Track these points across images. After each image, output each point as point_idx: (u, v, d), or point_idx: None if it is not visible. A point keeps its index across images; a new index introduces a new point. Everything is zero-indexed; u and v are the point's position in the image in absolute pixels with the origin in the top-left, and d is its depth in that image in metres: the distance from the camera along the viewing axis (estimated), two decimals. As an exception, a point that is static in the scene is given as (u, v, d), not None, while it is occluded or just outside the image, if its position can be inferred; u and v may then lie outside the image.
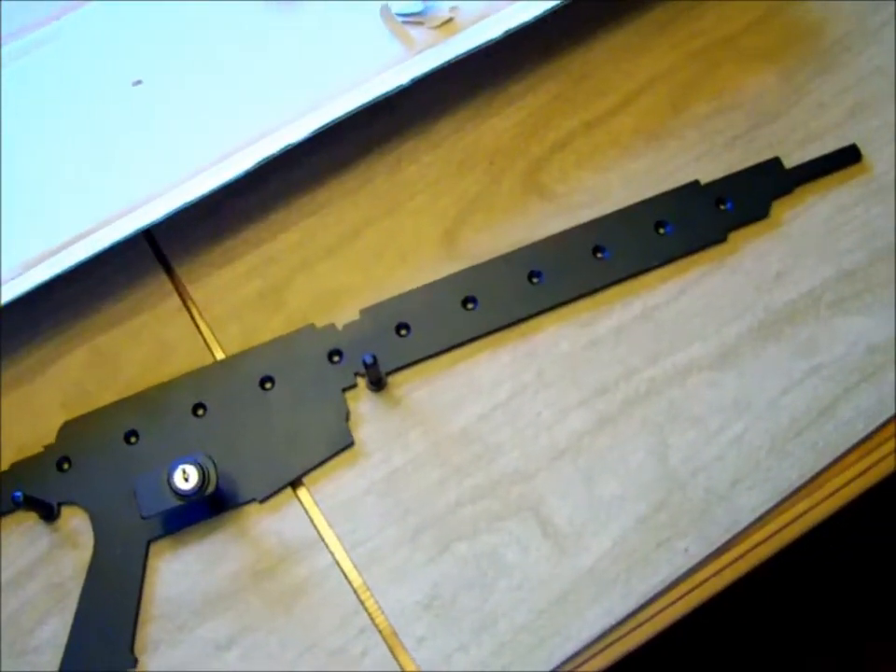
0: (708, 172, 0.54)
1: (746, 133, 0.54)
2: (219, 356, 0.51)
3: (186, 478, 0.45)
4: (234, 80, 0.53)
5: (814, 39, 0.56)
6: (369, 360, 0.47)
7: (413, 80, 0.51)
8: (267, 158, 0.50)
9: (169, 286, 0.53)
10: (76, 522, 0.49)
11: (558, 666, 0.46)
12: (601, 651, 0.47)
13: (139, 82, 0.54)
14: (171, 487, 0.45)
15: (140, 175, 0.52)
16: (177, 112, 0.53)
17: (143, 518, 0.46)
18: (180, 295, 0.53)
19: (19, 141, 0.53)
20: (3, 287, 0.50)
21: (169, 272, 0.53)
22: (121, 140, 0.53)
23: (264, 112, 0.53)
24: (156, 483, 0.46)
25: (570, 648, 0.46)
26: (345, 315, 0.51)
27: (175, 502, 0.46)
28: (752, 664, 0.86)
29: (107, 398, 0.51)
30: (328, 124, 0.51)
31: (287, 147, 0.50)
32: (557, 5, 0.53)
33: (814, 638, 0.87)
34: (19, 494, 0.46)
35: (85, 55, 0.55)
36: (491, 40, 0.52)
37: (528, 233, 0.53)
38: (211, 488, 0.46)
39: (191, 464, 0.45)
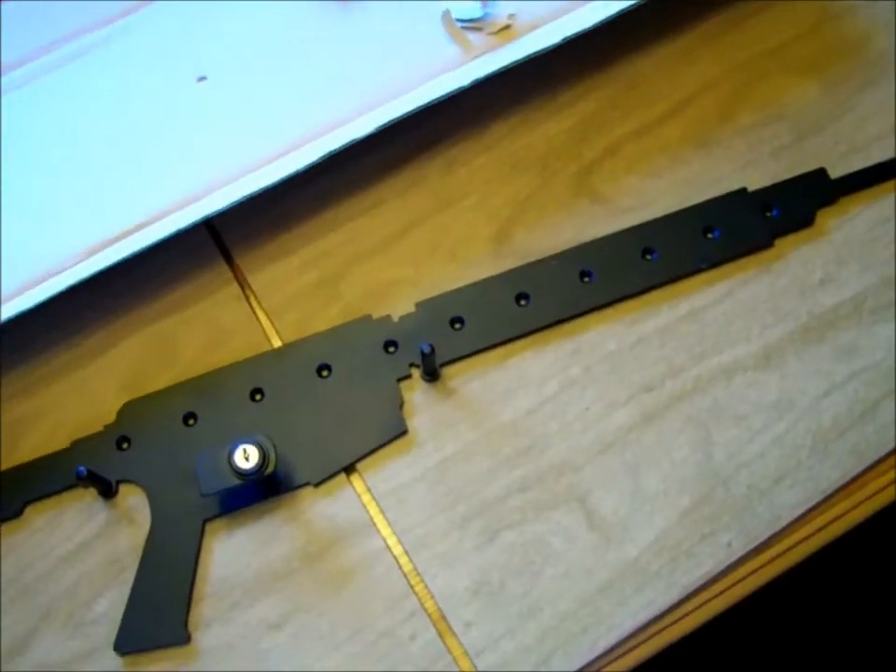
0: (754, 180, 0.55)
1: (791, 143, 0.56)
2: (276, 343, 0.53)
3: (246, 457, 0.46)
4: (295, 78, 0.55)
5: (859, 53, 0.58)
6: (426, 349, 0.48)
7: (473, 82, 0.53)
8: (330, 153, 0.52)
9: (228, 274, 0.54)
10: (133, 500, 0.50)
11: (601, 655, 0.47)
12: (643, 641, 0.48)
13: (203, 79, 0.56)
14: (231, 466, 0.47)
15: (203, 167, 0.53)
16: (240, 108, 0.55)
17: (202, 496, 0.47)
18: (239, 283, 0.54)
19: (89, 129, 0.54)
20: (65, 273, 0.51)
21: (229, 261, 0.55)
22: (185, 133, 0.54)
23: (324, 110, 0.54)
24: (216, 462, 0.47)
25: (613, 637, 0.47)
26: (399, 307, 0.53)
27: (235, 481, 0.47)
28: (786, 664, 0.86)
29: (166, 381, 0.52)
30: (389, 122, 0.52)
31: (350, 142, 0.52)
32: (613, 15, 0.54)
33: (851, 640, 0.87)
34: (83, 469, 0.47)
35: (153, 51, 0.57)
36: (547, 48, 0.54)
37: (578, 234, 0.54)
38: (270, 468, 0.47)
39: (252, 444, 0.47)
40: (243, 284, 0.54)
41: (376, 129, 0.52)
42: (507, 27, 0.56)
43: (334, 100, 0.54)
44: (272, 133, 0.54)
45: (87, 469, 0.47)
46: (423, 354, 0.48)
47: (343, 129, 0.53)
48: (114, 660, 0.48)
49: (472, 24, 0.56)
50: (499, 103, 0.58)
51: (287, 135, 0.53)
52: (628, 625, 0.47)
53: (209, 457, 0.47)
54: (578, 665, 0.47)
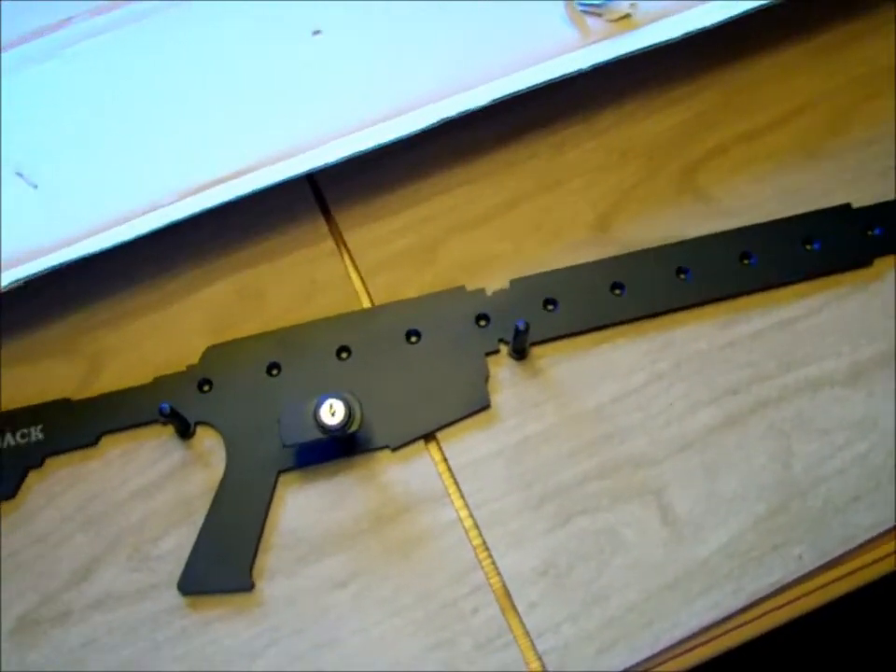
0: (859, 197, 0.55)
1: (900, 164, 0.56)
2: (366, 304, 0.53)
3: (332, 413, 0.46)
4: (413, 40, 0.55)
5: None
6: (522, 326, 0.48)
7: (593, 66, 0.52)
8: (445, 119, 0.51)
9: (325, 229, 0.54)
10: (209, 442, 0.50)
11: (663, 650, 0.47)
12: (705, 642, 0.47)
13: (318, 32, 0.56)
14: (316, 420, 0.46)
15: (312, 120, 0.53)
16: (354, 65, 0.54)
17: (283, 447, 0.47)
18: (335, 240, 0.54)
19: (205, 74, 0.54)
20: (161, 211, 0.51)
21: (327, 216, 0.55)
22: (296, 85, 0.54)
23: (440, 76, 0.54)
24: (301, 414, 0.47)
25: (677, 634, 0.47)
26: (493, 282, 0.52)
27: (318, 435, 0.47)
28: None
29: (252, 328, 0.52)
30: (506, 96, 0.52)
31: (465, 111, 0.51)
32: (736, 15, 0.54)
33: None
34: (166, 405, 0.47)
35: (270, 3, 0.56)
36: (667, 40, 0.53)
37: (678, 230, 0.54)
38: (355, 427, 0.47)
39: (340, 400, 0.46)
40: (339, 241, 0.54)
41: (492, 101, 0.52)
42: (627, 16, 0.55)
43: (450, 67, 0.54)
44: (384, 93, 0.53)
45: (170, 406, 0.47)
46: (517, 330, 0.48)
47: (459, 97, 0.52)
48: (175, 598, 0.48)
49: (593, 9, 0.55)
50: (611, 91, 0.57)
51: (399, 97, 0.53)
52: (693, 624, 0.47)
53: (293, 409, 0.47)
54: (639, 658, 0.46)
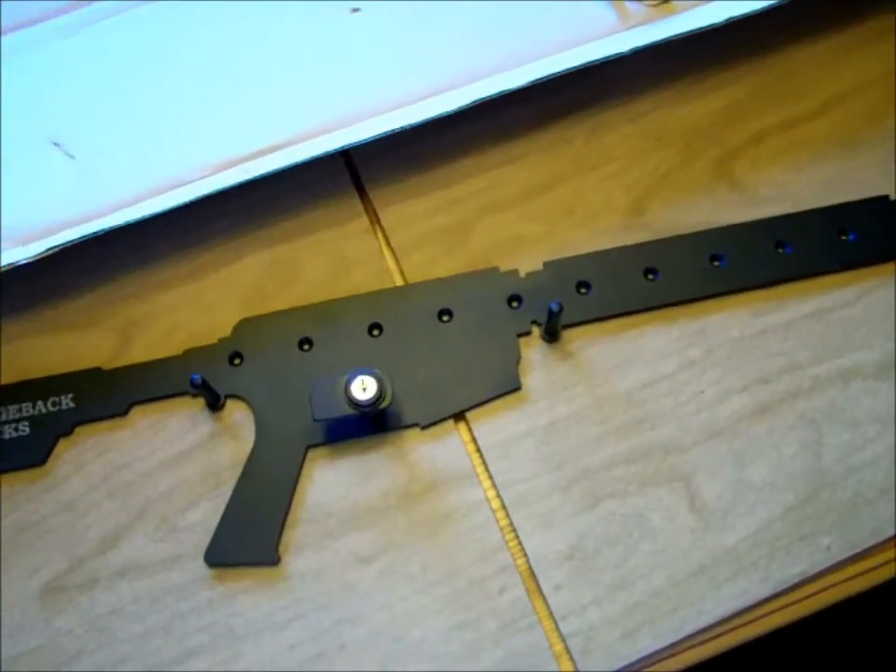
0: (897, 189, 0.54)
1: (941, 157, 0.55)
2: (398, 282, 0.53)
3: (364, 389, 0.46)
4: (452, 20, 0.54)
5: None
6: (555, 308, 0.48)
7: (633, 50, 0.52)
8: (480, 99, 0.51)
9: (359, 206, 0.54)
10: (238, 416, 0.50)
11: (688, 636, 0.47)
12: (730, 630, 0.47)
13: (357, 10, 0.55)
14: (347, 396, 0.46)
15: (348, 97, 0.53)
16: (392, 43, 0.54)
17: (314, 421, 0.47)
18: (369, 217, 0.54)
19: (241, 47, 0.54)
20: (194, 184, 0.51)
21: (362, 193, 0.55)
22: (333, 61, 0.54)
23: (476, 56, 0.54)
24: (331, 389, 0.47)
25: (703, 621, 0.47)
26: (526, 264, 0.52)
27: (349, 411, 0.46)
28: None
29: (284, 303, 0.52)
30: (543, 78, 0.52)
31: (501, 92, 0.51)
32: (778, 3, 0.53)
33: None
34: (198, 377, 0.47)
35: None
36: (708, 26, 0.53)
37: (712, 217, 0.54)
38: (385, 403, 0.46)
39: (371, 376, 0.46)
40: (373, 218, 0.54)
41: (529, 82, 0.52)
42: (667, 1, 0.55)
43: (486, 48, 0.54)
44: (422, 72, 0.53)
45: (202, 377, 0.47)
46: (550, 312, 0.48)
47: (496, 78, 0.52)
48: (201, 569, 0.48)
49: (635, -7, 0.55)
50: (648, 76, 0.57)
51: (437, 76, 0.53)
52: (718, 612, 0.47)
53: (324, 383, 0.47)
54: (663, 644, 0.46)
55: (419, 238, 0.53)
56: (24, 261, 0.49)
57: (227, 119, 0.52)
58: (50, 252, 0.49)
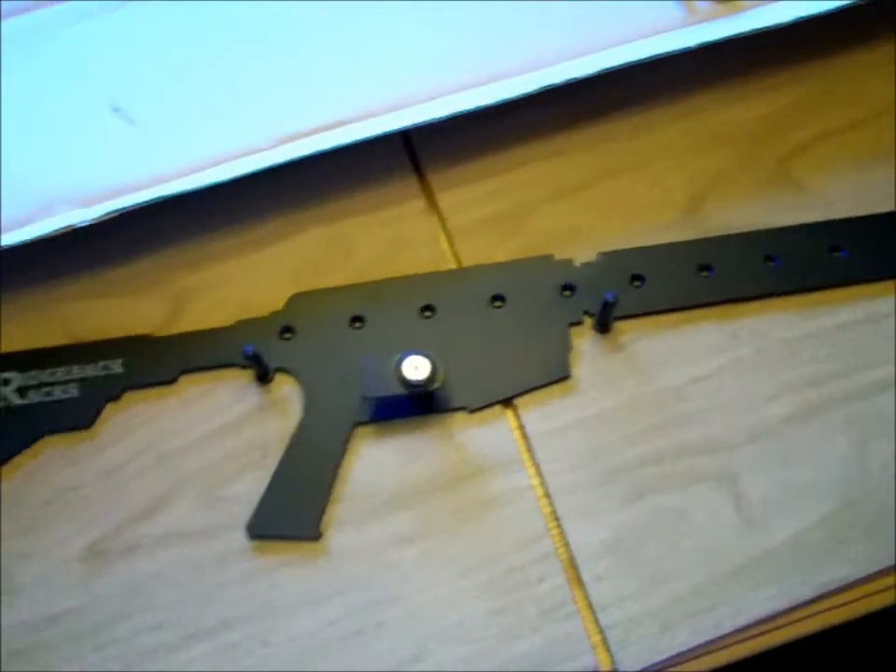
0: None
1: None
2: (451, 265, 0.53)
3: (416, 368, 0.46)
4: (519, 8, 0.54)
5: None
6: (611, 298, 0.48)
7: (700, 45, 0.52)
8: (547, 86, 0.51)
9: (417, 188, 0.54)
10: (286, 390, 0.50)
11: (726, 635, 0.46)
12: (768, 631, 0.47)
13: (423, -9, 0.55)
14: (398, 375, 0.46)
15: (412, 77, 0.53)
16: (460, 25, 0.54)
17: (363, 398, 0.47)
18: (426, 199, 0.54)
19: (306, 22, 0.54)
20: (254, 157, 0.51)
21: (420, 175, 0.55)
22: (398, 41, 0.54)
23: (542, 44, 0.53)
24: (383, 367, 0.47)
25: (741, 620, 0.46)
26: (580, 254, 0.52)
27: (399, 390, 0.47)
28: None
29: (336, 280, 0.52)
30: (611, 68, 0.51)
31: (568, 80, 0.51)
32: (849, 4, 0.53)
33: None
34: (251, 348, 0.47)
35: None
36: (776, 25, 0.53)
37: (767, 218, 0.54)
38: (437, 384, 0.47)
39: (424, 356, 0.46)
40: (430, 200, 0.54)
41: (597, 72, 0.51)
42: (735, -1, 0.55)
43: (552, 36, 0.54)
44: (486, 57, 0.53)
45: (254, 349, 0.47)
46: (605, 302, 0.48)
47: (562, 66, 0.52)
48: (241, 541, 0.48)
49: (703, -11, 0.55)
50: (710, 73, 0.57)
51: (501, 61, 0.53)
52: (757, 612, 0.47)
53: (376, 362, 0.47)
54: (701, 640, 0.46)
55: (475, 223, 0.53)
56: (85, 223, 0.49)
57: (290, 92, 0.52)
58: (110, 216, 0.49)
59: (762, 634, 0.47)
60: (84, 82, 0.54)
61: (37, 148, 0.52)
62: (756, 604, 0.47)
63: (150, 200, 0.49)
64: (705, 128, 0.56)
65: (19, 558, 0.48)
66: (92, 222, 0.49)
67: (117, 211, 0.49)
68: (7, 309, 0.52)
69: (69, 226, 0.49)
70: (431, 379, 0.46)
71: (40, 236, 0.49)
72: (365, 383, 0.47)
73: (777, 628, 0.47)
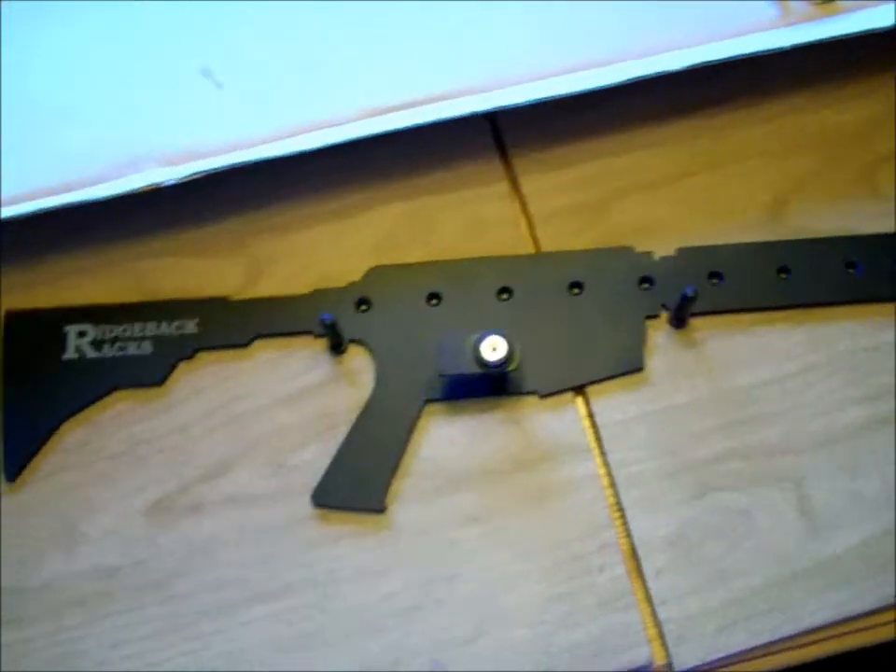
0: None
1: None
2: (530, 249, 0.53)
3: (493, 349, 0.46)
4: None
5: None
6: (691, 293, 0.47)
7: (794, 45, 0.51)
8: (636, 78, 0.50)
9: (501, 171, 0.54)
10: (359, 361, 0.51)
11: (783, 639, 0.46)
12: (826, 639, 0.47)
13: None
14: (475, 354, 0.46)
15: (503, 59, 0.52)
16: (556, 11, 0.54)
17: (440, 375, 0.47)
18: (509, 182, 0.54)
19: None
20: (340, 128, 0.51)
21: (504, 158, 0.55)
22: (491, 23, 0.53)
23: (634, 35, 0.53)
24: (460, 346, 0.47)
25: (799, 626, 0.46)
26: (658, 247, 0.52)
27: (476, 369, 0.47)
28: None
29: (415, 256, 0.52)
30: (702, 63, 0.51)
31: (659, 73, 0.51)
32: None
33: None
34: (329, 316, 0.47)
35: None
36: (873, 29, 0.52)
37: (850, 224, 0.53)
38: (513, 366, 0.47)
39: (502, 337, 0.46)
40: (513, 184, 0.54)
41: (687, 66, 0.51)
42: (833, 0, 0.54)
43: (645, 29, 0.53)
44: (578, 44, 0.53)
45: (333, 318, 0.47)
46: (684, 297, 0.48)
47: (653, 59, 0.52)
48: (306, 508, 0.48)
49: (799, -10, 0.54)
50: (801, 75, 0.56)
51: (592, 50, 0.53)
52: (816, 619, 0.46)
53: (453, 339, 0.47)
54: (757, 643, 0.46)
55: (556, 209, 0.53)
56: (171, 182, 0.49)
57: (381, 65, 0.52)
58: (195, 177, 0.49)
59: (819, 641, 0.47)
60: (176, 43, 0.54)
61: (126, 106, 0.52)
62: (815, 611, 0.47)
63: (236, 163, 0.50)
64: (795, 130, 0.55)
65: (85, 508, 0.48)
66: (178, 181, 0.49)
67: (203, 172, 0.49)
68: (84, 262, 0.53)
69: (154, 184, 0.49)
70: (508, 360, 0.46)
71: (125, 192, 0.49)
72: (441, 360, 0.47)
73: (835, 637, 0.47)
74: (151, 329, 0.51)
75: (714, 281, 0.51)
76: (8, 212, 0.48)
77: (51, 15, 0.54)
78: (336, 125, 0.51)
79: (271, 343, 0.51)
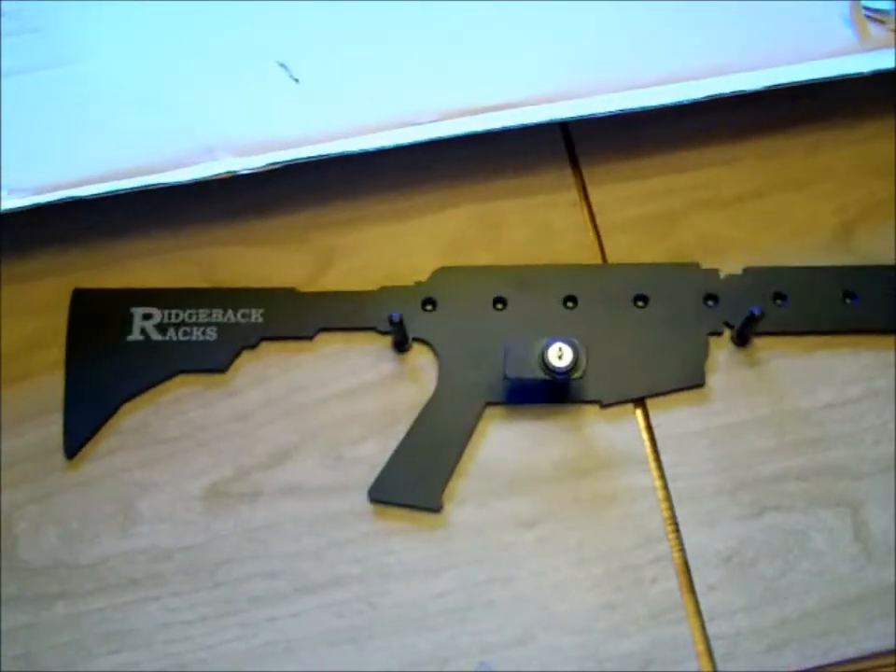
0: None
1: None
2: (596, 259, 0.53)
3: (560, 356, 0.46)
4: (696, 13, 0.54)
5: None
6: (757, 312, 0.47)
7: (873, 72, 0.52)
8: (712, 96, 0.51)
9: (571, 179, 0.54)
10: (422, 360, 0.51)
11: (834, 663, 0.46)
12: (878, 667, 0.47)
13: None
14: (542, 360, 0.47)
15: (581, 70, 0.53)
16: (635, 25, 0.54)
17: (505, 379, 0.47)
18: (579, 192, 0.54)
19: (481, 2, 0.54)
20: (415, 128, 0.51)
21: (575, 167, 0.55)
22: (571, 33, 0.54)
23: (711, 53, 0.53)
24: (526, 350, 0.47)
25: (851, 652, 0.46)
26: (725, 265, 0.52)
27: (540, 375, 0.47)
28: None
29: (482, 259, 0.53)
30: (780, 85, 0.51)
31: (737, 91, 0.51)
32: None
33: None
34: (397, 315, 0.47)
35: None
36: (952, 63, 0.52)
37: (917, 255, 0.53)
38: (578, 374, 0.47)
39: (569, 345, 0.46)
40: (581, 193, 0.54)
41: (764, 87, 0.51)
42: (912, 28, 0.54)
43: (723, 47, 0.54)
44: (655, 58, 0.53)
45: (401, 316, 0.48)
46: (750, 315, 0.48)
47: (730, 77, 0.52)
48: (362, 503, 0.48)
49: (878, 16, 0.54)
50: (875, 102, 0.56)
51: (668, 65, 0.53)
52: (868, 646, 0.46)
53: (520, 344, 0.47)
54: (807, 666, 0.46)
55: (625, 221, 0.53)
56: (246, 171, 0.49)
57: (458, 68, 0.53)
58: (270, 167, 0.50)
59: (870, 669, 0.46)
60: (254, 36, 0.54)
61: (203, 95, 0.53)
62: (868, 637, 0.46)
63: (312, 156, 0.50)
64: (867, 156, 0.55)
65: (142, 490, 0.49)
66: (253, 171, 0.49)
67: (279, 163, 0.50)
68: (150, 246, 0.53)
69: (231, 171, 0.50)
70: (573, 368, 0.46)
71: (201, 178, 0.50)
72: (508, 364, 0.47)
73: (885, 667, 0.47)
74: (217, 315, 0.51)
75: (778, 302, 0.51)
76: (88, 191, 0.48)
77: (138, 6, 0.54)
78: (412, 125, 0.51)
79: (335, 336, 0.51)
